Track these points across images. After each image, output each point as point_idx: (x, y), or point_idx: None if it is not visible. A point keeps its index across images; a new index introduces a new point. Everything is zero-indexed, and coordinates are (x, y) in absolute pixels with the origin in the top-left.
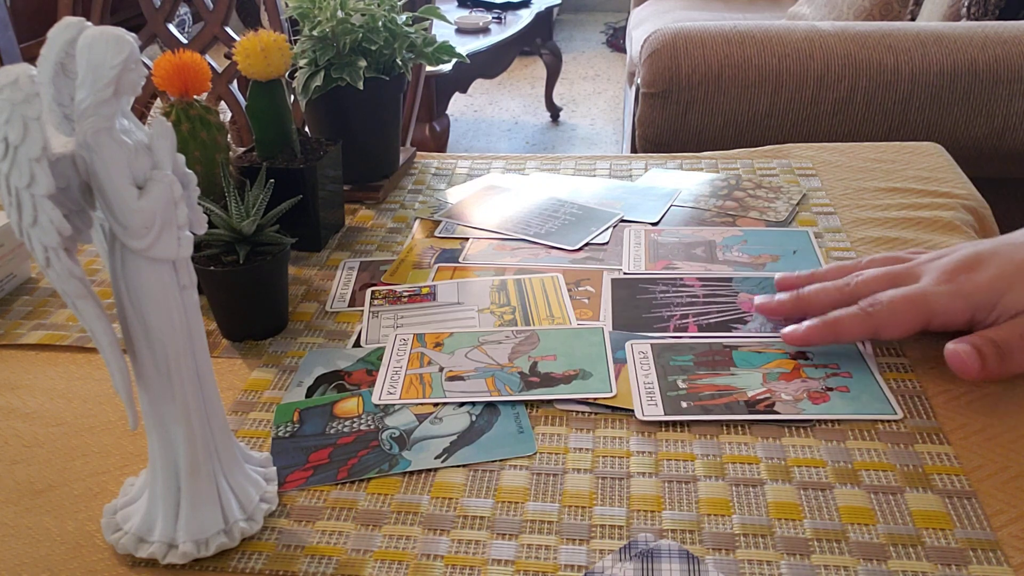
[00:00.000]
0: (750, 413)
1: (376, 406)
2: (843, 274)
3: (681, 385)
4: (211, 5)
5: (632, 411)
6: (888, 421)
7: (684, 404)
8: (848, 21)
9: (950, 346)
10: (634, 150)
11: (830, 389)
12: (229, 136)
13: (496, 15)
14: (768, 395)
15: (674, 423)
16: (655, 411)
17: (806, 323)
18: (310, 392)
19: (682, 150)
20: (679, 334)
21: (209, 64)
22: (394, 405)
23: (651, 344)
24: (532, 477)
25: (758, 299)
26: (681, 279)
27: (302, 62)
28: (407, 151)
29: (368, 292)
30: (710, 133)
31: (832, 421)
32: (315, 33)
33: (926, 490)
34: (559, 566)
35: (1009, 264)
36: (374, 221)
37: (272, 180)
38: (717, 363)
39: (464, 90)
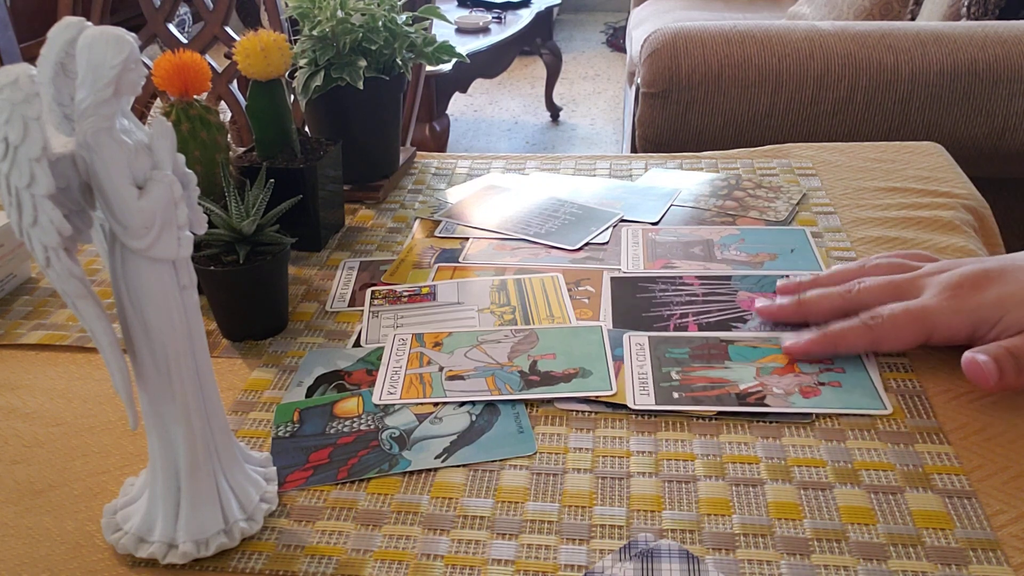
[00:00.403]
0: (740, 406)
1: (376, 406)
2: (845, 279)
3: (675, 376)
4: (211, 5)
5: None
6: (878, 416)
7: (676, 395)
8: (848, 21)
9: (968, 355)
10: (634, 150)
11: (822, 384)
12: (229, 136)
13: (496, 15)
14: (760, 388)
15: (674, 423)
16: (647, 400)
17: (806, 336)
18: (310, 392)
19: (682, 150)
20: (679, 333)
21: (209, 64)
22: (394, 405)
23: (648, 336)
24: (532, 477)
25: (759, 303)
26: (680, 278)
27: (302, 62)
28: (407, 151)
29: (368, 292)
30: (710, 133)
31: (828, 417)
32: (315, 33)
33: (926, 490)
34: (559, 566)
35: (1015, 284)
36: (374, 221)
37: (272, 180)
38: (712, 356)
39: (464, 90)
